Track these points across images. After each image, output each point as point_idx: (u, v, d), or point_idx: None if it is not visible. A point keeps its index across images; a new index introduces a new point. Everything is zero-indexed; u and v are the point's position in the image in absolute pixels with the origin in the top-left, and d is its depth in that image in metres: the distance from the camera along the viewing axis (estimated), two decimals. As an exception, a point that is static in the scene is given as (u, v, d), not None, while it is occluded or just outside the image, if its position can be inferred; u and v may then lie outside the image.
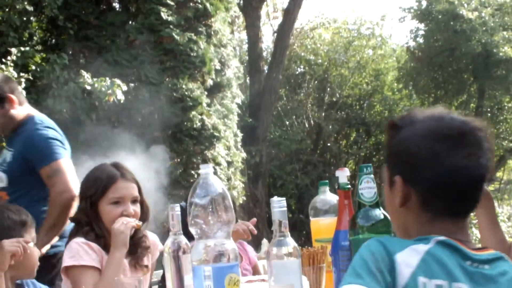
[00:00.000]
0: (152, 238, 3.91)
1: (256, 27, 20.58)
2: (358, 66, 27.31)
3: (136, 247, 3.74)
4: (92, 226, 3.65)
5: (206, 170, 2.69)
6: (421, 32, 25.65)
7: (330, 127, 25.95)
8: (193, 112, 10.42)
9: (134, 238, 3.74)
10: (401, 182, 2.05)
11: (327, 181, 3.79)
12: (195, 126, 10.45)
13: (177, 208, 2.98)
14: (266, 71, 20.91)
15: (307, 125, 25.96)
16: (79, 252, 3.52)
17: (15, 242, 3.06)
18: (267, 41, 26.91)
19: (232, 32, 12.23)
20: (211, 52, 10.90)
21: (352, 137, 27.06)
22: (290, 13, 20.74)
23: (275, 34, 23.00)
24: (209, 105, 10.96)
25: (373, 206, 2.82)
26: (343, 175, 3.12)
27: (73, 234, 3.72)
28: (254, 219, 4.76)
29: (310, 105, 26.28)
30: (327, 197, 3.57)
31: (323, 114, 26.18)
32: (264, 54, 23.83)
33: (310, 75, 26.53)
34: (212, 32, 11.25)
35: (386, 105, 27.27)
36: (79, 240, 3.58)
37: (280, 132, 24.72)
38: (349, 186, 3.09)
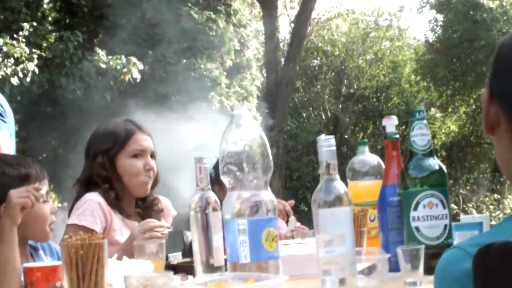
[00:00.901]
0: (164, 202, 3.61)
1: (273, 17, 20.19)
2: (375, 58, 26.97)
3: (148, 211, 3.48)
4: (111, 183, 3.37)
5: (239, 111, 2.36)
6: (440, 23, 25.24)
7: (347, 119, 25.62)
8: (212, 93, 10.07)
9: (146, 201, 3.45)
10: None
11: (366, 140, 3.45)
12: (213, 107, 10.09)
13: (205, 160, 2.64)
14: (283, 62, 20.55)
15: (324, 117, 25.63)
16: (86, 211, 3.27)
17: (23, 192, 2.67)
18: (284, 32, 26.56)
19: (251, 12, 11.82)
20: (230, 32, 10.56)
21: (369, 130, 26.71)
22: (307, 3, 20.34)
23: (292, 25, 22.67)
24: (228, 87, 10.62)
25: (427, 155, 2.50)
26: (390, 123, 2.79)
27: (84, 189, 3.40)
28: (292, 201, 4.41)
29: (327, 96, 25.95)
30: (366, 157, 3.22)
31: (340, 106, 25.87)
32: (281, 45, 23.47)
33: (327, 67, 26.18)
34: (232, 12, 10.92)
35: (404, 98, 26.98)
36: (93, 197, 3.30)
37: (297, 123, 24.38)
38: (397, 136, 2.75)
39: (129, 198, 3.43)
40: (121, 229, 3.34)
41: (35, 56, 8.44)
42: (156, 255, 2.71)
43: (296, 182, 22.53)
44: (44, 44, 8.96)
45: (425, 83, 26.84)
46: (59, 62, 9.00)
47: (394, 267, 2.41)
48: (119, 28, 10.30)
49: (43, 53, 8.69)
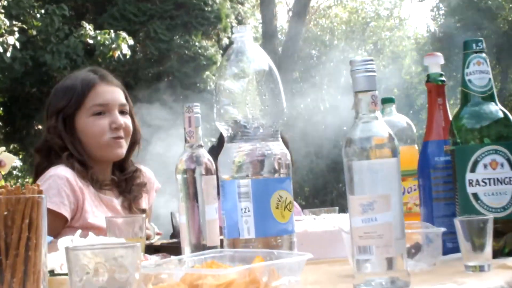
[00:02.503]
0: (147, 174, 2.96)
1: (271, 4, 19.64)
2: (375, 48, 26.49)
3: (128, 185, 2.84)
4: (71, 149, 2.71)
5: (241, 33, 1.76)
6: (442, 12, 24.74)
7: (347, 110, 25.12)
8: (207, 72, 9.46)
9: (125, 172, 2.81)
10: None
11: (393, 97, 2.83)
12: (209, 88, 9.50)
13: (196, 108, 2.03)
14: (281, 51, 19.99)
15: (322, 108, 25.09)
16: (51, 189, 2.58)
17: None
18: (281, 21, 25.99)
19: None
20: (227, 8, 9.95)
21: (369, 122, 26.20)
22: (306, -11, 19.82)
23: (290, 12, 22.14)
24: (224, 66, 10.00)
25: (487, 99, 1.88)
26: (434, 62, 2.17)
27: (41, 166, 2.77)
28: None
29: (325, 87, 25.44)
30: (393, 118, 2.59)
31: (339, 97, 25.37)
32: (279, 35, 22.92)
33: (326, 56, 25.66)
34: (229, -14, 10.34)
35: (404, 89, 26.54)
36: (59, 171, 2.63)
37: (295, 114, 23.85)
38: (443, 78, 2.13)
39: (100, 165, 2.79)
40: (95, 208, 2.69)
41: (16, 28, 7.80)
42: (133, 234, 2.10)
43: (294, 174, 21.98)
44: (28, 18, 8.31)
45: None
46: (43, 37, 8.38)
47: (444, 248, 1.82)
48: (109, 3, 9.69)
49: (24, 26, 8.03)
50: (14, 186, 1.25)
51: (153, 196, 2.99)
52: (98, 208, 2.69)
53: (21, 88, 9.98)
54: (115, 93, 2.78)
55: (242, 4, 10.59)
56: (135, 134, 2.84)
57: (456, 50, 24.88)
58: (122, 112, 2.77)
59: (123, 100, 2.78)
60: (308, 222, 2.22)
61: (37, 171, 2.78)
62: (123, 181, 2.80)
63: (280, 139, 1.73)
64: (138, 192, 2.82)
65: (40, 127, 10.17)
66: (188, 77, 9.35)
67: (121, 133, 2.74)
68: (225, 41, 10.09)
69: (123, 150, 2.76)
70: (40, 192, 1.29)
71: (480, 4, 21.78)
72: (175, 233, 3.56)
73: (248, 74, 1.72)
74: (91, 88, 2.74)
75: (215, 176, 1.97)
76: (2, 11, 7.82)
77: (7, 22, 7.67)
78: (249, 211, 1.63)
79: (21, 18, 8.38)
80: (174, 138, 7.72)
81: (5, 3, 7.89)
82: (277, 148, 1.69)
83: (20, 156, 11.04)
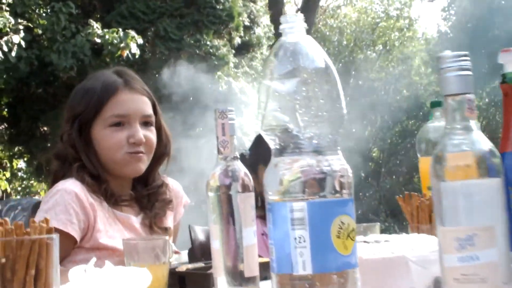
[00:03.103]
0: (174, 186, 2.64)
1: (279, 3, 19.42)
2: (384, 49, 26.26)
3: (151, 201, 2.52)
4: (84, 159, 2.42)
5: (291, 23, 1.45)
6: (453, 12, 24.47)
7: (355, 111, 24.90)
8: (219, 73, 9.16)
9: (149, 187, 2.47)
10: None
11: (442, 100, 2.50)
12: (220, 89, 9.20)
13: (231, 113, 1.72)
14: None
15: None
16: (58, 205, 2.28)
17: None
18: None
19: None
20: (240, 6, 9.65)
21: (377, 123, 25.99)
22: (315, -11, 19.64)
23: (299, 12, 21.90)
24: (236, 66, 9.70)
25: None
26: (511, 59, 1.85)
27: (59, 173, 2.46)
28: None
29: (335, 88, 25.22)
30: (443, 123, 2.25)
31: (348, 98, 25.13)
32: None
33: (334, 57, 25.40)
34: (242, -17, 10.05)
35: (413, 90, 26.30)
36: (67, 185, 2.31)
37: (303, 115, 23.68)
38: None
39: (117, 179, 2.47)
40: (109, 227, 2.38)
41: (21, 27, 7.52)
42: (155, 259, 1.79)
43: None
44: (33, 16, 8.03)
45: (436, 75, 26.17)
46: (49, 36, 8.08)
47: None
48: (117, 1, 9.41)
49: (30, 24, 7.74)
50: (13, 224, 0.92)
51: (180, 212, 2.68)
52: (113, 226, 2.39)
53: (26, 88, 9.71)
54: (138, 102, 2.46)
55: (254, 2, 10.29)
56: (162, 146, 2.52)
57: (467, 51, 24.59)
58: (145, 124, 2.45)
59: (148, 111, 2.46)
60: (362, 247, 1.90)
61: (54, 180, 2.48)
62: (144, 196, 2.48)
63: (339, 152, 1.42)
64: (161, 209, 2.51)
65: (45, 129, 9.91)
66: (199, 77, 9.07)
67: (140, 148, 2.43)
68: (237, 40, 9.79)
69: (142, 166, 2.45)
70: (49, 230, 0.96)
71: (493, 4, 21.49)
72: (194, 249, 3.24)
73: (301, 72, 1.39)
74: (111, 95, 2.43)
75: (253, 194, 1.67)
76: (7, 9, 7.52)
77: (12, 21, 7.39)
78: (304, 241, 1.32)
79: (26, 16, 8.09)
80: (184, 140, 7.44)
81: (10, 0, 7.60)
82: (337, 163, 1.38)
83: (25, 159, 10.76)
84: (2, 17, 7.30)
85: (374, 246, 1.94)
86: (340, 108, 1.42)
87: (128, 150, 2.41)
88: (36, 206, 6.37)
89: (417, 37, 27.24)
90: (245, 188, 1.67)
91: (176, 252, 2.47)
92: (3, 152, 11.75)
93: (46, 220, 0.97)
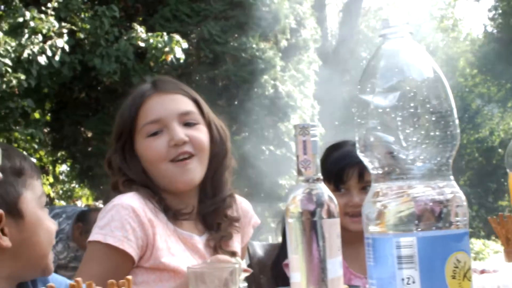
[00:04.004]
0: (243, 205, 2.44)
1: (321, 5, 19.26)
2: (428, 50, 25.91)
3: (216, 218, 2.30)
4: (131, 174, 2.26)
5: (394, 28, 1.28)
6: (500, 11, 24.03)
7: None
8: (265, 77, 8.96)
9: (214, 200, 2.27)
10: None
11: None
12: (267, 93, 8.99)
13: (313, 129, 1.49)
14: (332, 53, 19.59)
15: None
16: (113, 221, 2.10)
17: None
18: (330, 23, 25.61)
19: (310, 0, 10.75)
20: (286, 8, 9.44)
21: (421, 126, 25.71)
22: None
23: (341, 14, 21.73)
24: (283, 70, 9.50)
25: None
26: None
27: (114, 188, 2.29)
28: None
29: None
30: None
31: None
32: (329, 36, 22.51)
33: (377, 59, 25.22)
34: (287, -15, 9.83)
35: (458, 92, 25.94)
36: (124, 200, 2.13)
37: (344, 119, 23.44)
38: None
39: (171, 194, 2.27)
40: (171, 244, 2.18)
41: (64, 31, 7.39)
42: (224, 288, 1.59)
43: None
44: (76, 20, 7.91)
45: (482, 77, 25.73)
46: (93, 41, 7.95)
47: None
48: (160, 3, 9.26)
49: (74, 27, 7.62)
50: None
51: (249, 233, 2.47)
52: (175, 244, 2.18)
53: (69, 93, 9.63)
54: (171, 102, 2.26)
55: (300, 4, 10.08)
56: (216, 146, 2.30)
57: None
58: (188, 124, 2.24)
59: (184, 108, 2.26)
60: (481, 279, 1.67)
61: (110, 194, 2.30)
62: (209, 213, 2.26)
63: (451, 177, 1.20)
64: (228, 230, 2.29)
65: (89, 135, 9.82)
66: (245, 81, 8.86)
67: (185, 148, 2.22)
68: (284, 43, 9.59)
69: (192, 174, 2.23)
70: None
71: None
72: (252, 265, 3.06)
73: (406, 85, 1.21)
74: (141, 104, 2.25)
75: (338, 220, 1.46)
76: (52, 13, 7.41)
77: (56, 25, 7.27)
78: (414, 282, 1.15)
79: (69, 19, 7.99)
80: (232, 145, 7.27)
81: (56, 4, 7.48)
82: (450, 190, 1.16)
83: (68, 164, 10.69)
84: (47, 21, 7.17)
85: (485, 278, 1.70)
86: (453, 125, 1.20)
87: (171, 156, 2.21)
88: (80, 214, 6.22)
89: (462, 38, 26.84)
90: (330, 214, 1.45)
91: (245, 271, 2.23)
92: (46, 157, 11.71)
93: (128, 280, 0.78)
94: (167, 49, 7.79)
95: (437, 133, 1.16)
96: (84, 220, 5.97)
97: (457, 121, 1.21)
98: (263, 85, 8.99)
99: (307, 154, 1.47)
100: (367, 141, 1.19)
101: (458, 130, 1.21)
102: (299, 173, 1.48)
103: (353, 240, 2.54)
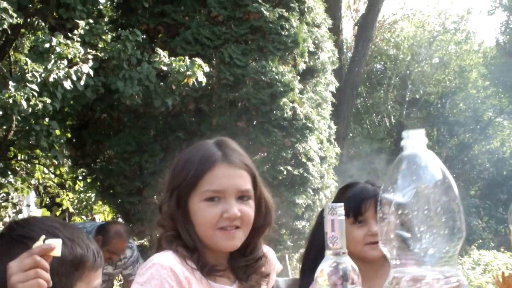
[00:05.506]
0: (269, 254, 2.60)
1: (337, 18, 19.30)
2: (441, 62, 26.01)
3: (248, 271, 2.47)
4: (180, 231, 2.40)
5: (413, 139, 1.58)
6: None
7: (411, 125, 24.66)
8: (284, 99, 9.08)
9: (248, 258, 2.45)
10: None
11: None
12: (285, 115, 9.11)
13: (340, 209, 1.70)
14: (347, 66, 19.63)
15: (388, 124, 24.67)
16: (154, 279, 2.25)
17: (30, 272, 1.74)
18: (346, 34, 25.67)
19: (326, 10, 10.81)
20: (304, 32, 9.56)
21: (433, 137, 25.76)
22: (374, 4, 19.44)
23: (356, 27, 21.79)
24: (301, 92, 9.61)
25: None
26: None
27: (160, 243, 2.46)
28: None
29: (391, 102, 25.02)
30: None
31: (404, 112, 24.94)
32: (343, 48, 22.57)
33: (391, 71, 25.24)
34: (306, 9, 9.88)
35: (470, 104, 26.02)
36: (163, 260, 2.30)
37: (360, 129, 23.53)
38: None
39: (212, 251, 2.45)
40: None
41: (90, 57, 7.55)
42: None
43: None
44: (100, 45, 8.07)
45: (494, 88, 25.81)
46: (116, 64, 8.10)
47: None
48: (182, 27, 9.41)
49: (98, 54, 7.79)
50: None
51: (273, 279, 2.64)
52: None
53: (91, 113, 9.79)
54: (235, 178, 2.40)
55: (318, 27, 10.18)
56: (261, 218, 2.47)
57: (526, 64, 24.32)
58: (242, 197, 2.41)
59: (244, 186, 2.40)
60: None
61: (158, 247, 2.46)
62: (242, 267, 2.45)
63: (458, 266, 1.41)
64: (257, 282, 2.47)
65: (110, 152, 9.96)
66: (264, 104, 8.99)
67: (235, 223, 2.38)
68: (302, 66, 9.71)
69: (236, 242, 2.39)
70: None
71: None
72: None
73: (421, 187, 1.45)
74: (208, 169, 2.37)
75: None
76: (79, 39, 7.58)
77: (82, 51, 7.43)
78: None
79: (93, 42, 8.14)
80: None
81: (82, 31, 7.66)
82: (455, 279, 1.38)
83: (89, 181, 10.85)
84: (73, 47, 7.34)
85: None
86: (460, 222, 1.43)
87: (221, 225, 2.36)
88: (100, 228, 6.47)
89: (474, 50, 26.91)
90: (353, 283, 1.65)
91: None
92: (67, 174, 11.87)
93: None
94: (189, 72, 7.93)
95: (446, 231, 1.36)
96: (104, 233, 6.23)
97: (463, 217, 1.42)
98: (282, 108, 9.10)
99: (335, 231, 1.66)
100: (388, 236, 1.38)
101: (464, 225, 1.41)
102: (327, 247, 1.68)
103: (370, 275, 2.74)
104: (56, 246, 1.85)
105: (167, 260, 2.29)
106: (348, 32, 25.14)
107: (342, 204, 1.71)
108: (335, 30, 18.30)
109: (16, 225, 2.10)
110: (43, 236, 1.86)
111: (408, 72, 25.27)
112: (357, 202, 2.99)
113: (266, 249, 2.62)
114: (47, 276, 1.79)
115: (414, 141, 1.52)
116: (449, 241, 1.36)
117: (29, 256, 1.79)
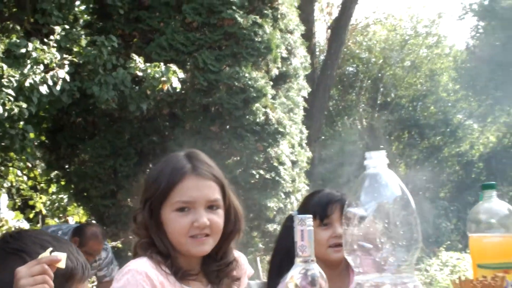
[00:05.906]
0: (240, 259, 2.77)
1: (310, 22, 19.47)
2: (412, 66, 26.26)
3: (220, 275, 2.64)
4: (154, 238, 2.57)
5: (375, 159, 1.76)
6: (481, 30, 24.45)
7: (383, 128, 24.90)
8: (257, 104, 9.22)
9: (219, 263, 2.61)
10: None
11: (493, 182, 2.68)
12: (258, 120, 9.26)
13: (309, 220, 1.87)
14: (319, 69, 19.82)
15: (359, 126, 24.87)
16: (130, 284, 2.41)
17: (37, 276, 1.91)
18: (319, 37, 25.87)
19: (299, 14, 10.96)
20: (278, 38, 9.70)
21: (404, 139, 26.03)
22: (346, 8, 19.65)
23: (329, 31, 21.98)
24: (273, 97, 9.76)
25: None
26: None
27: (135, 250, 2.62)
28: None
29: (363, 105, 25.23)
30: (493, 205, 2.46)
31: (376, 115, 25.15)
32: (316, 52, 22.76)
33: (363, 74, 25.45)
34: (279, 16, 10.04)
35: (441, 107, 26.28)
36: (138, 265, 2.46)
37: (331, 132, 23.70)
38: None
39: (185, 257, 2.61)
40: None
41: (66, 62, 7.65)
42: None
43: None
44: (76, 49, 8.17)
45: (464, 92, 26.12)
46: (91, 69, 8.21)
47: None
48: (157, 33, 9.53)
49: (74, 59, 7.89)
50: None
51: (244, 283, 2.80)
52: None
53: (66, 117, 9.87)
54: (204, 188, 2.56)
55: (291, 33, 10.34)
56: (230, 225, 2.64)
57: (495, 68, 24.60)
58: (211, 207, 2.57)
59: (212, 197, 2.56)
60: None
61: (134, 253, 2.64)
62: (214, 272, 2.62)
63: (414, 272, 1.59)
64: (229, 285, 2.64)
65: (86, 157, 10.03)
66: (237, 109, 9.13)
67: (204, 231, 2.54)
68: (275, 71, 9.86)
69: (206, 248, 2.55)
70: None
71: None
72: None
73: (384, 203, 1.61)
74: (178, 181, 2.53)
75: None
76: (55, 45, 7.68)
77: (58, 56, 7.53)
78: None
79: (69, 47, 8.24)
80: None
81: (58, 37, 7.75)
82: (412, 284, 1.55)
83: (63, 183, 10.91)
84: (49, 53, 7.44)
85: None
86: (417, 234, 1.59)
87: (192, 233, 2.52)
88: (76, 229, 6.58)
89: (445, 54, 27.20)
90: None
91: None
92: (41, 176, 11.92)
93: None
94: (164, 78, 8.06)
95: (404, 242, 1.53)
96: (81, 234, 6.34)
97: (420, 229, 1.60)
98: (255, 113, 9.24)
99: (304, 240, 1.84)
100: (352, 246, 1.54)
101: (421, 237, 1.58)
102: (297, 255, 1.85)
103: (333, 278, 2.90)
104: (62, 258, 2.04)
105: (142, 266, 2.45)
106: (321, 35, 25.33)
107: (311, 216, 1.88)
108: (308, 34, 18.47)
109: (10, 238, 2.26)
110: (50, 248, 2.06)
111: (380, 75, 25.50)
112: (323, 205, 3.17)
113: (238, 254, 2.78)
114: (52, 284, 1.99)
115: (376, 161, 1.67)
116: (407, 251, 1.52)
117: (37, 263, 1.99)
